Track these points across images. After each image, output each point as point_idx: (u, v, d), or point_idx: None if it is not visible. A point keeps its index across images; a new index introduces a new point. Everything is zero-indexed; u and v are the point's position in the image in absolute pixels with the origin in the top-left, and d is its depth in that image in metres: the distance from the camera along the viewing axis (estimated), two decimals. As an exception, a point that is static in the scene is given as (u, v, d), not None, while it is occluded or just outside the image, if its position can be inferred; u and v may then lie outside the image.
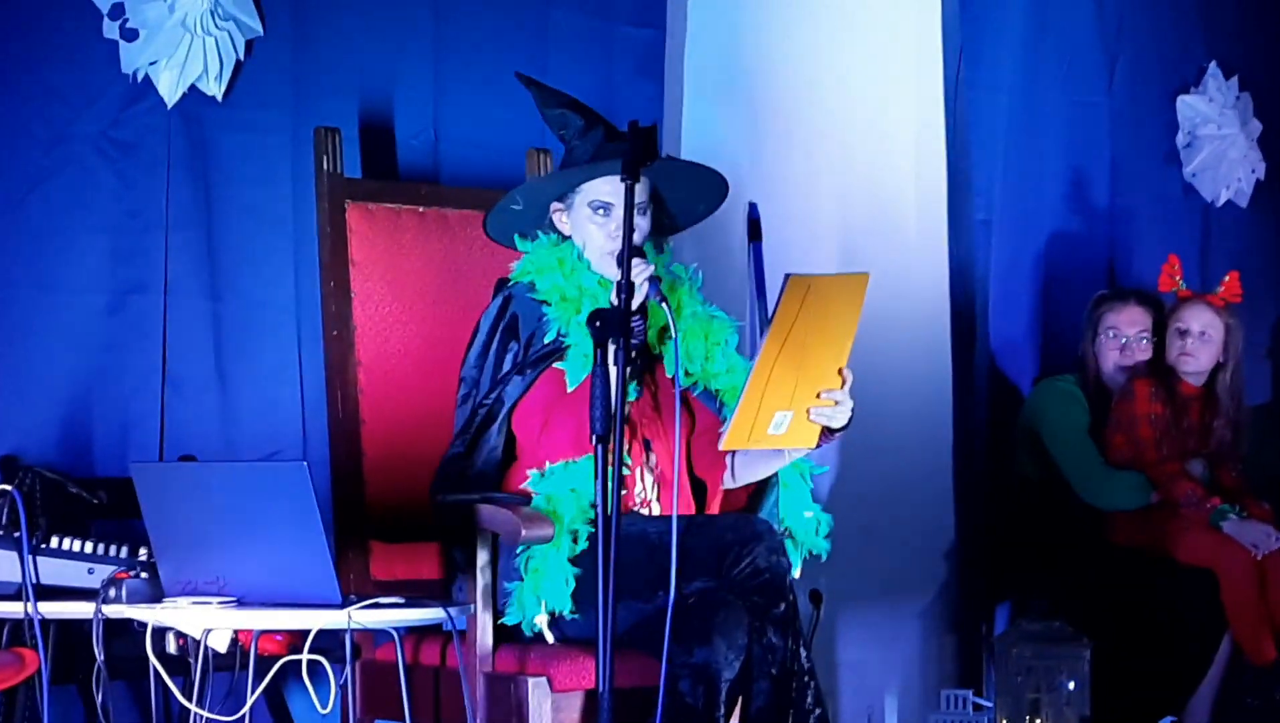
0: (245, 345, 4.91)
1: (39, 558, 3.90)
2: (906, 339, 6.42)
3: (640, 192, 4.30)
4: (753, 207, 6.01)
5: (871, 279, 6.24)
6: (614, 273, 4.21)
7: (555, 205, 4.41)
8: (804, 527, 4.42)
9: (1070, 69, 6.91)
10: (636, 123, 3.85)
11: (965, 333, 6.57)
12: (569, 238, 4.40)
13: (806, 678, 4.21)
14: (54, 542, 3.98)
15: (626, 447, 4.26)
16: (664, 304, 4.14)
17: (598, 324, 3.52)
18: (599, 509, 3.42)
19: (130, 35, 4.75)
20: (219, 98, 4.85)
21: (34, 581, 3.81)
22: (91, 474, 4.70)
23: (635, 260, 4.14)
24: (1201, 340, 6.23)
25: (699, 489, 4.47)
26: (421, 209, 4.80)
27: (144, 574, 3.81)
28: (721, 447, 4.24)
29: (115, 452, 4.72)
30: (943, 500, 6.51)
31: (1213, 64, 7.27)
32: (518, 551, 4.13)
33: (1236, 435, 6.29)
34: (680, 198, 4.50)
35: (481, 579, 4.14)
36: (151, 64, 4.76)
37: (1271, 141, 7.41)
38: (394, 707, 4.23)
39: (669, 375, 4.40)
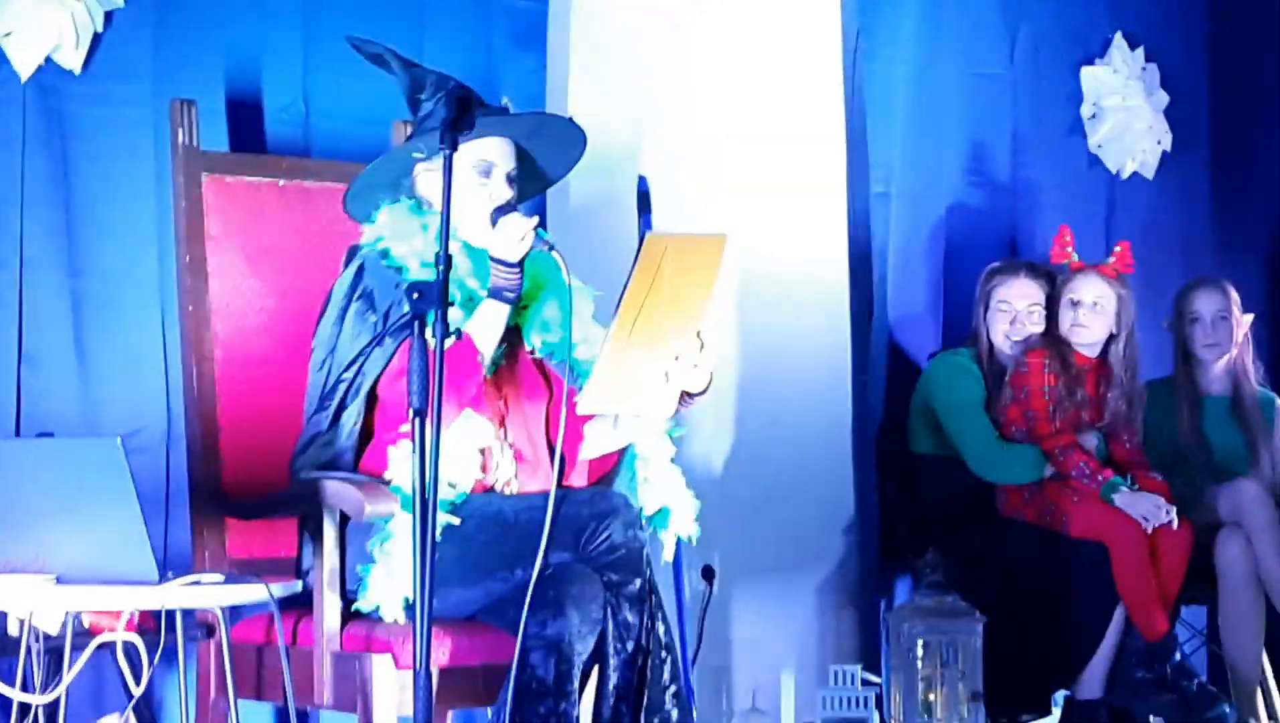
0: (106, 322, 4.84)
1: None
2: (805, 313, 6.37)
3: (509, 159, 4.29)
4: (642, 180, 5.91)
5: (770, 253, 6.26)
6: (485, 239, 4.17)
7: (423, 165, 4.32)
8: (678, 509, 4.34)
9: (970, 41, 6.86)
10: (453, 87, 3.78)
11: (864, 306, 6.52)
12: (427, 205, 4.32)
13: (664, 653, 4.18)
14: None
15: (490, 421, 4.20)
16: (554, 253, 4.10)
17: (415, 296, 3.46)
18: (415, 487, 3.36)
19: (-20, 1, 4.67)
20: (76, 70, 4.78)
21: None
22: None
23: (515, 215, 4.14)
24: (1094, 311, 6.19)
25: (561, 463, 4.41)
26: (282, 182, 4.74)
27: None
28: (580, 410, 4.18)
29: (-33, 431, 4.65)
30: (841, 475, 6.46)
31: (1118, 34, 7.23)
32: (372, 535, 4.06)
33: (1131, 407, 6.26)
34: (541, 157, 4.48)
35: (329, 559, 4.08)
36: (5, 35, 4.67)
37: (1178, 112, 7.37)
38: (249, 686, 4.20)
39: (527, 347, 4.35)
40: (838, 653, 6.35)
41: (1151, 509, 5.93)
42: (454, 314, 4.09)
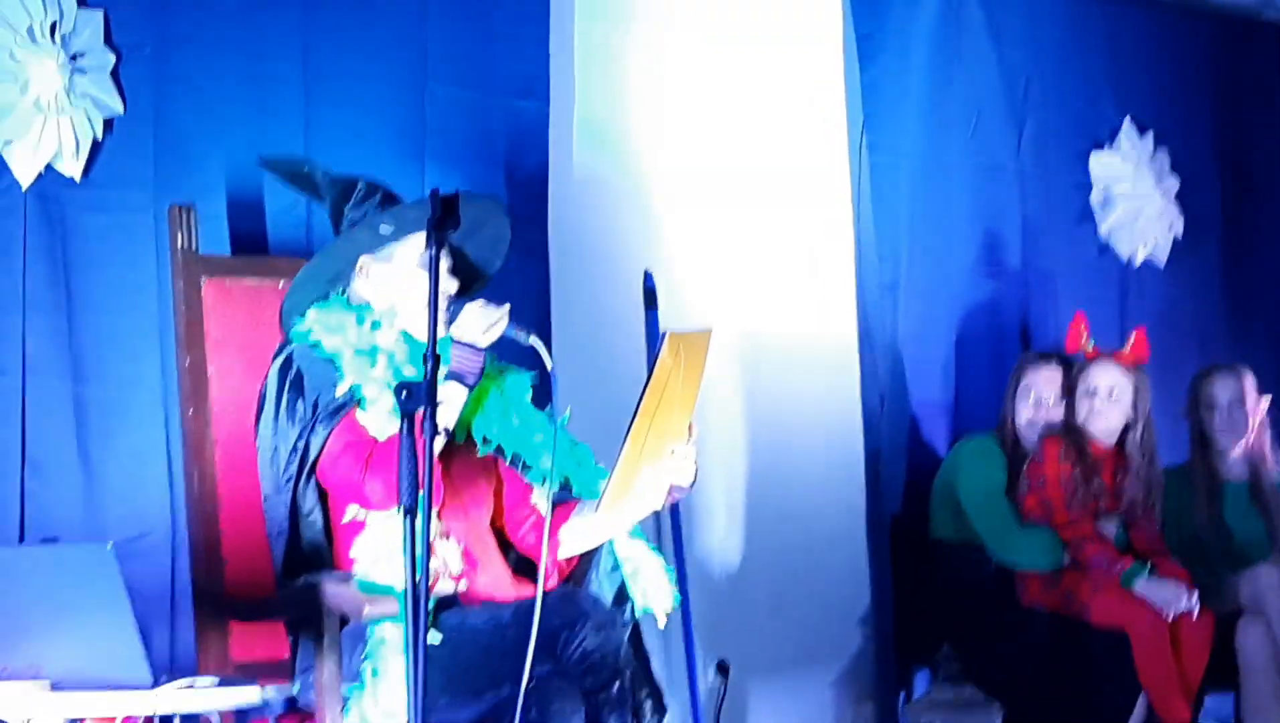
0: (109, 426, 4.84)
1: None
2: (816, 405, 6.38)
3: (446, 253, 4.25)
4: (648, 276, 5.97)
5: (778, 348, 6.26)
6: (469, 315, 4.18)
7: (365, 258, 4.32)
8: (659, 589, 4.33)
9: (976, 131, 6.88)
10: (437, 190, 3.79)
11: (877, 398, 6.52)
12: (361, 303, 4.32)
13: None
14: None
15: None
16: (533, 340, 4.11)
17: (404, 395, 3.45)
18: (407, 585, 3.35)
19: (-20, 116, 4.70)
20: (77, 178, 4.80)
21: None
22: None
23: (482, 303, 4.14)
24: (1110, 400, 6.18)
25: (521, 563, 4.41)
26: (282, 283, 4.74)
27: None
28: (600, 511, 4.16)
29: (-28, 539, 4.65)
30: (855, 566, 6.46)
31: (1126, 120, 7.24)
32: (360, 651, 4.05)
33: (1149, 494, 6.24)
34: (475, 254, 4.50)
35: (329, 664, 4.07)
36: (5, 144, 4.69)
37: (1190, 197, 7.37)
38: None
39: (475, 443, 4.34)
40: (856, 750, 6.31)
41: (1172, 596, 5.89)
42: (389, 401, 4.08)
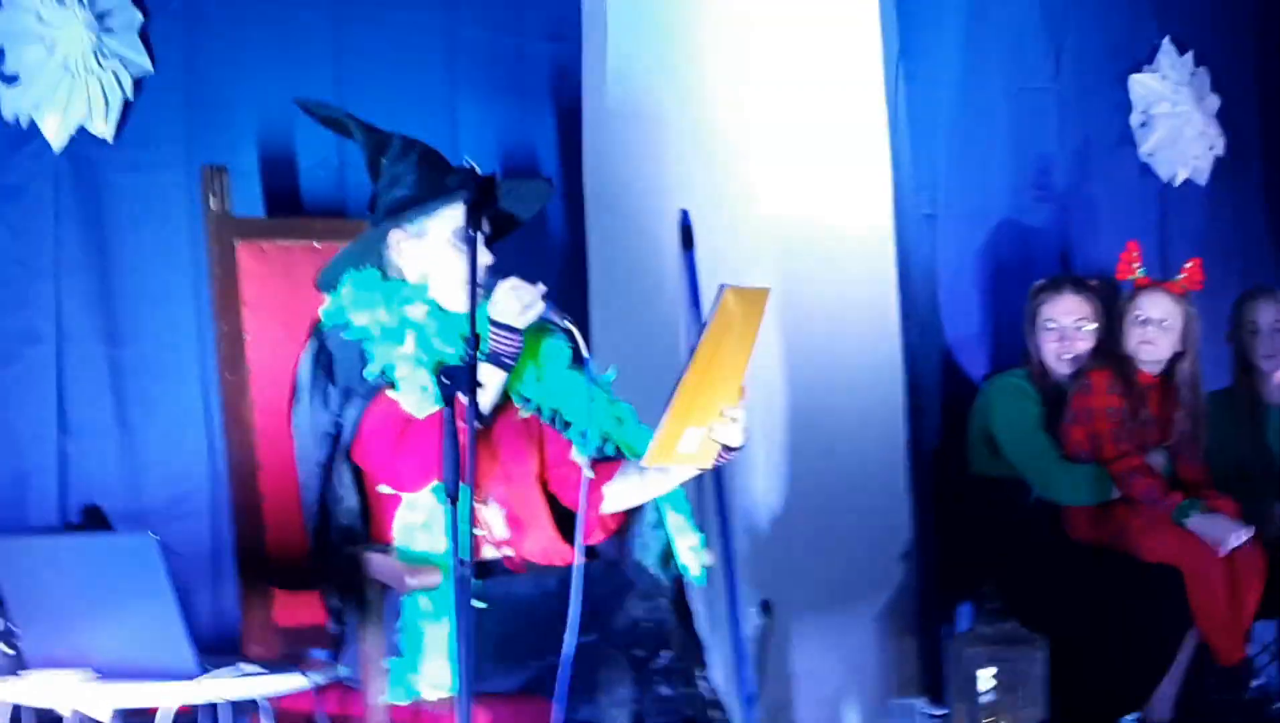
0: (147, 388, 4.82)
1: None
2: (856, 340, 6.33)
3: (484, 222, 4.21)
4: (684, 214, 5.92)
5: (818, 281, 6.21)
6: (458, 304, 4.16)
7: (397, 233, 4.28)
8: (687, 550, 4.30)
9: (1014, 56, 6.79)
10: (475, 171, 3.73)
11: (915, 330, 6.46)
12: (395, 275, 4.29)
13: (712, 713, 4.12)
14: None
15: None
16: (568, 324, 4.07)
17: (445, 381, 3.41)
18: (453, 568, 3.32)
19: (10, 80, 4.65)
20: (109, 138, 4.76)
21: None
22: (-8, 530, 4.61)
23: (519, 282, 4.08)
24: (1161, 329, 6.11)
25: (563, 521, 4.36)
26: (317, 244, 4.72)
27: (8, 651, 3.73)
28: (644, 463, 4.11)
29: (15, 505, 4.65)
30: (897, 501, 6.42)
31: (1165, 40, 7.14)
32: (396, 624, 4.03)
33: (1196, 425, 6.18)
34: (510, 205, 4.43)
35: (374, 635, 4.05)
36: (35, 108, 4.65)
37: (1231, 115, 7.28)
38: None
39: (516, 404, 4.31)
40: (900, 682, 6.30)
41: (1226, 532, 5.84)
42: (426, 379, 4.06)
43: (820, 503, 6.20)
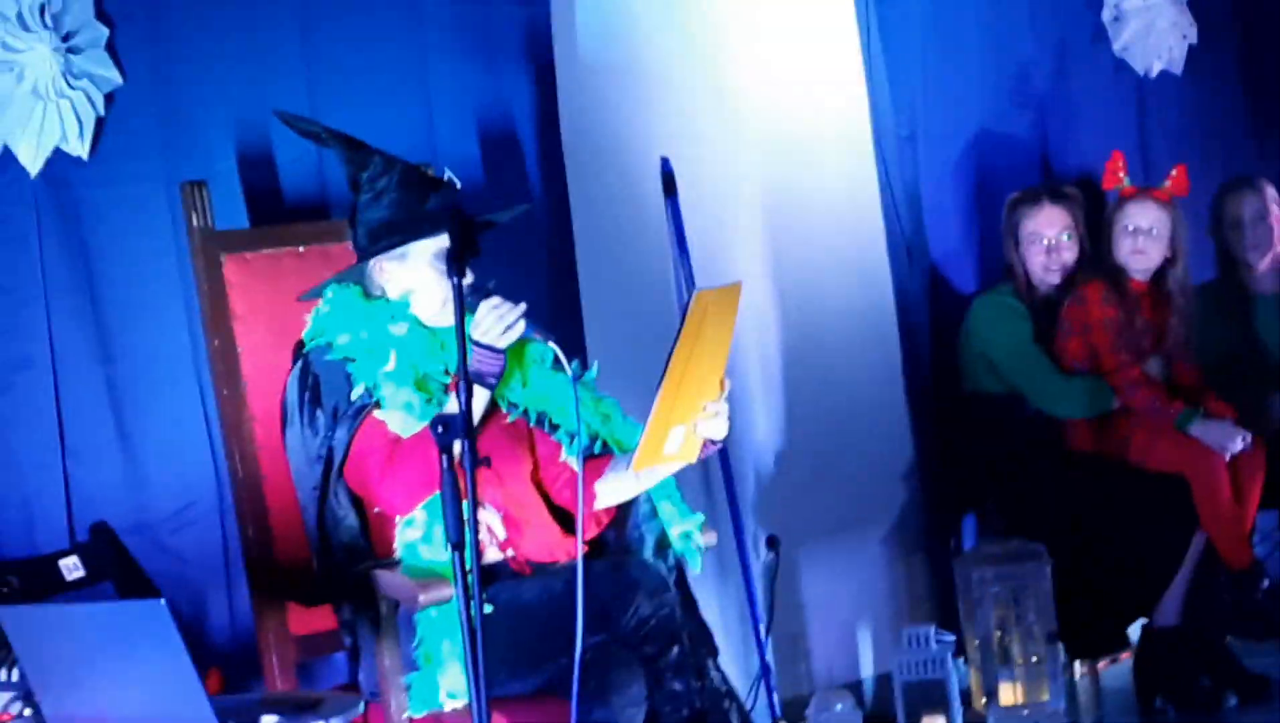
0: (145, 403, 4.84)
1: (-71, 694, 3.88)
2: (843, 267, 6.37)
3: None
4: (664, 161, 5.92)
5: (803, 216, 6.22)
6: (442, 319, 4.23)
7: (378, 258, 4.33)
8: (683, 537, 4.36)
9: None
10: (458, 212, 3.75)
11: (902, 252, 6.48)
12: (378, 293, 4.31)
13: (727, 702, 4.19)
14: (-57, 676, 3.96)
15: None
16: (551, 343, 4.10)
17: (440, 430, 3.44)
18: (462, 613, 3.37)
19: (-20, 109, 4.64)
20: (84, 157, 4.74)
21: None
22: (2, 556, 4.65)
23: (499, 301, 4.10)
24: (1151, 237, 6.14)
25: (560, 517, 4.42)
26: (301, 248, 4.74)
27: (27, 712, 3.78)
28: (633, 469, 4.17)
29: (22, 528, 4.68)
30: (897, 423, 6.48)
31: (1134, -71, 7.10)
32: (414, 641, 4.08)
33: (1190, 329, 6.21)
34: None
35: (390, 652, 4.11)
36: (8, 136, 4.64)
37: (1202, 2, 7.25)
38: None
39: (503, 410, 4.35)
40: (910, 602, 6.38)
41: (1228, 436, 5.90)
42: (410, 396, 4.09)
43: (820, 432, 6.26)
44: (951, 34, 6.64)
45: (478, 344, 4.09)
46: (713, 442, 4.21)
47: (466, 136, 5.47)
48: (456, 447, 3.43)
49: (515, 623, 4.07)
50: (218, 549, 4.90)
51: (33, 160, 4.69)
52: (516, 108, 5.57)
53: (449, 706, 4.09)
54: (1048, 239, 6.23)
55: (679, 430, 4.15)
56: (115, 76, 4.80)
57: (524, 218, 4.86)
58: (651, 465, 4.19)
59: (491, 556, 4.25)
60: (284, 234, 4.75)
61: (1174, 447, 5.95)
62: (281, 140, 4.99)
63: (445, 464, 3.39)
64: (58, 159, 4.73)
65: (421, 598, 4.04)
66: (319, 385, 4.22)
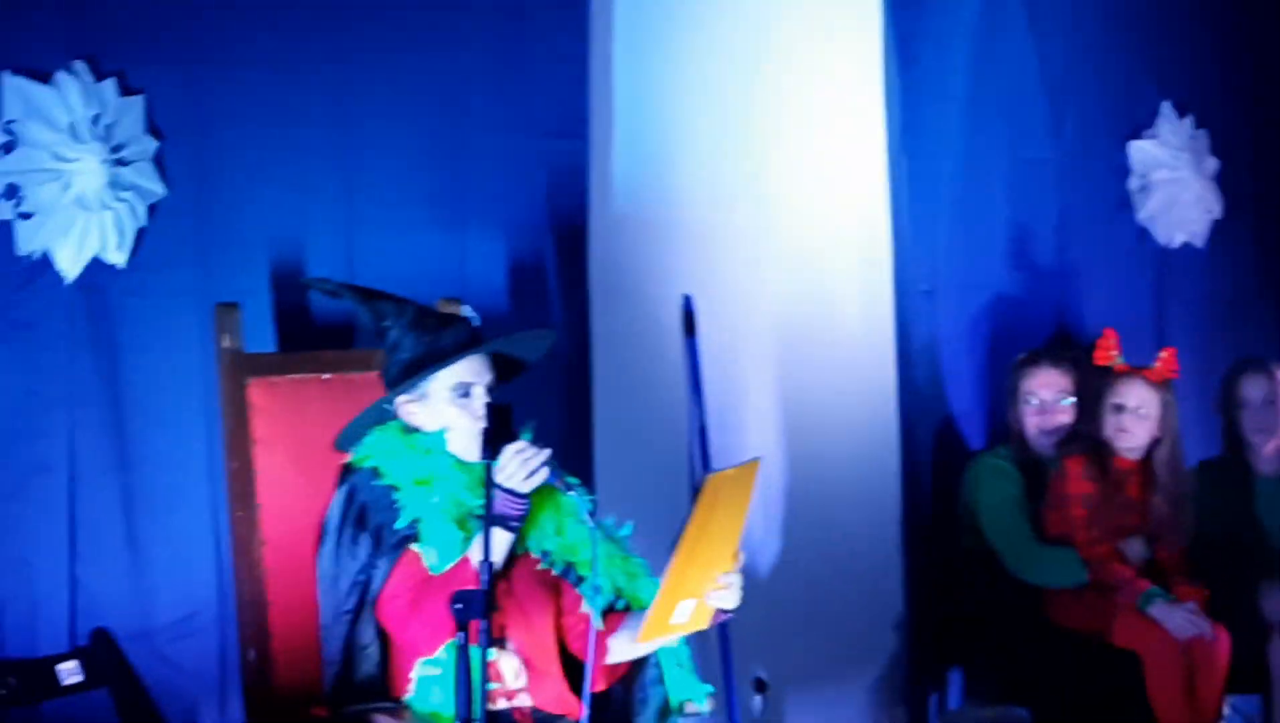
0: (157, 513, 4.90)
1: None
2: (853, 412, 6.42)
3: (484, 372, 4.36)
4: (687, 300, 5.99)
5: (818, 358, 6.29)
6: (473, 454, 4.23)
7: (402, 399, 4.37)
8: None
9: (1015, 125, 6.83)
10: (492, 404, 3.82)
11: (912, 404, 6.54)
12: (413, 428, 4.37)
13: None
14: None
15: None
16: (570, 492, 4.14)
17: (459, 606, 3.49)
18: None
19: (25, 216, 4.70)
20: (122, 265, 4.81)
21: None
22: (2, 656, 4.70)
23: (525, 447, 4.15)
24: (1137, 416, 6.18)
25: (572, 669, 4.43)
26: (325, 376, 4.79)
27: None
28: (640, 641, 4.23)
29: (25, 632, 4.73)
30: (890, 572, 6.51)
31: (1166, 104, 7.17)
32: None
33: (1176, 510, 6.24)
34: (514, 350, 4.52)
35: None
36: (49, 242, 4.71)
37: (1229, 178, 7.32)
38: None
39: (534, 555, 4.39)
40: (891, 752, 6.41)
41: (1184, 622, 5.93)
42: (447, 529, 4.15)
43: (814, 572, 6.30)
44: (978, 193, 6.70)
45: (501, 488, 4.13)
46: (724, 611, 4.26)
47: (495, 265, 5.53)
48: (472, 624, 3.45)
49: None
50: (214, 662, 4.95)
51: (71, 267, 4.76)
52: (548, 235, 5.63)
53: None
54: (1042, 400, 6.29)
55: (688, 603, 4.21)
56: (159, 189, 4.87)
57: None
58: (658, 637, 4.24)
59: (500, 704, 4.28)
60: (310, 361, 4.81)
61: (1135, 624, 5.99)
62: (315, 262, 5.06)
63: (461, 641, 3.43)
64: (95, 267, 4.80)
65: (408, 755, 4.08)
66: (365, 511, 4.27)
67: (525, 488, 4.16)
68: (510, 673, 4.31)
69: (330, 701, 4.29)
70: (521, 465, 4.15)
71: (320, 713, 4.34)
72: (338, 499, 4.32)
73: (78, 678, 4.72)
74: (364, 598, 4.24)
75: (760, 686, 6.02)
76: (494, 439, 3.75)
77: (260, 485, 4.66)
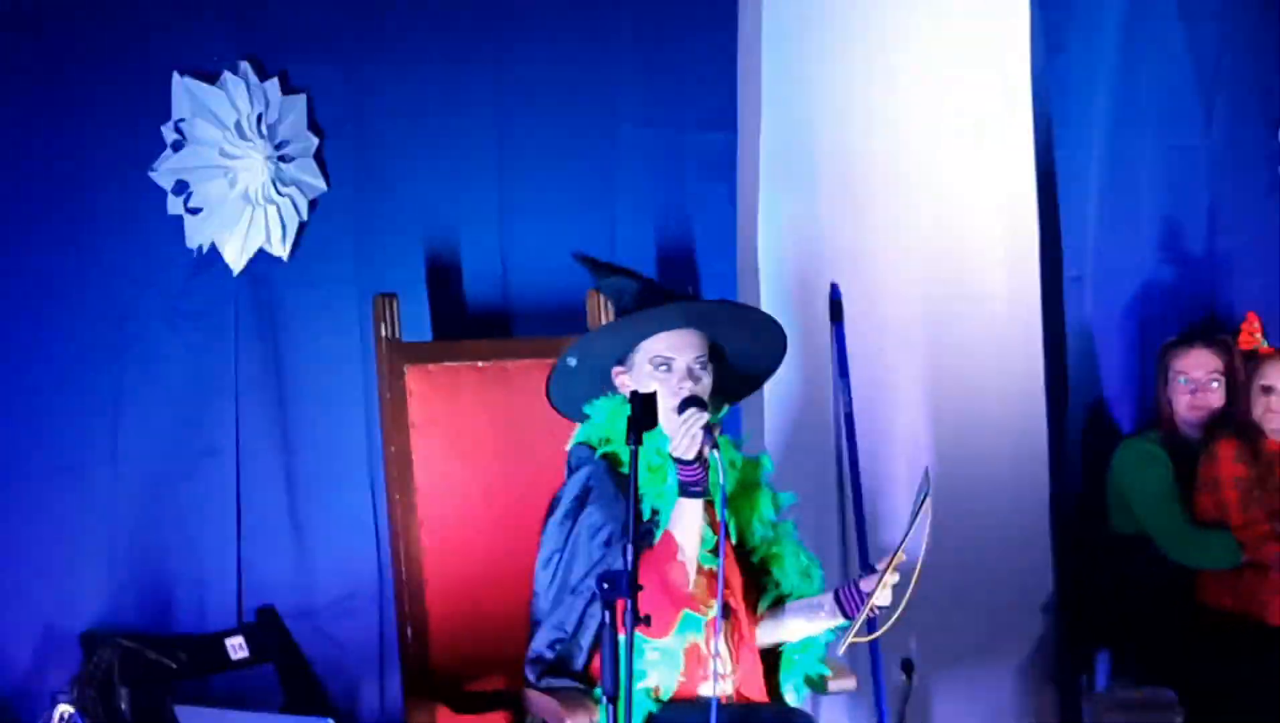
0: (319, 495, 5.09)
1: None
2: (1001, 399, 6.45)
3: (688, 350, 4.39)
4: (834, 288, 6.07)
5: (966, 343, 6.35)
6: (672, 429, 4.28)
7: (617, 369, 4.45)
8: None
9: (1165, 113, 6.83)
10: (636, 393, 3.96)
11: (1060, 388, 6.59)
12: None
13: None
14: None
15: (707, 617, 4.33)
16: (715, 452, 4.20)
17: (605, 586, 3.63)
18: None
19: (194, 211, 4.90)
20: (284, 258, 4.99)
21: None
22: (172, 631, 4.91)
23: (690, 412, 4.22)
24: None
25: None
26: (480, 364, 4.94)
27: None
28: (840, 651, 4.39)
29: (194, 609, 4.93)
30: (1040, 553, 6.55)
31: (1318, 90, 7.16)
32: None
33: (1326, 488, 6.27)
34: (738, 352, 4.56)
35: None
36: (216, 235, 4.91)
37: (1384, 157, 7.29)
38: None
39: (730, 537, 4.47)
40: (1040, 733, 6.47)
41: None
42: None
43: (963, 555, 6.35)
44: (1128, 180, 6.73)
45: (674, 459, 4.23)
46: (879, 608, 4.36)
47: (645, 255, 5.65)
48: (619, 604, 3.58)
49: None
50: (374, 640, 5.12)
51: (237, 259, 4.96)
52: (695, 226, 5.75)
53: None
54: (1194, 381, 6.32)
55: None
56: (321, 184, 5.05)
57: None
58: (852, 642, 4.37)
59: (720, 689, 4.34)
60: (465, 349, 4.97)
61: (1306, 607, 6.03)
62: (470, 252, 5.22)
63: (609, 619, 3.57)
64: (259, 259, 4.99)
65: (567, 721, 4.21)
66: (603, 504, 4.33)
67: (689, 455, 4.21)
68: (725, 659, 4.40)
69: (540, 668, 4.35)
70: (686, 432, 4.21)
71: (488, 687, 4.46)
72: (574, 482, 4.38)
73: (244, 654, 4.91)
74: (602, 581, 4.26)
75: (907, 667, 6.09)
76: (636, 426, 3.84)
77: (417, 469, 4.82)
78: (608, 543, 4.28)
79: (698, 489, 4.25)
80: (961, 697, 6.34)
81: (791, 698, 4.55)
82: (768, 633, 4.54)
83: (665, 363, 4.38)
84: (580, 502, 4.36)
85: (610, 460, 4.40)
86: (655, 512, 4.30)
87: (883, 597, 4.33)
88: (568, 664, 4.33)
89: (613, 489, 4.34)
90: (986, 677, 6.39)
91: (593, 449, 4.42)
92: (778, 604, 4.55)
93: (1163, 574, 6.30)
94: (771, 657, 4.58)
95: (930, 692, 6.26)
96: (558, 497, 4.41)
